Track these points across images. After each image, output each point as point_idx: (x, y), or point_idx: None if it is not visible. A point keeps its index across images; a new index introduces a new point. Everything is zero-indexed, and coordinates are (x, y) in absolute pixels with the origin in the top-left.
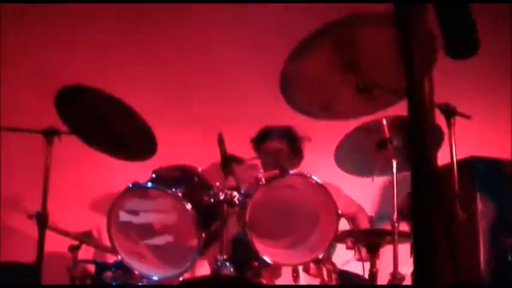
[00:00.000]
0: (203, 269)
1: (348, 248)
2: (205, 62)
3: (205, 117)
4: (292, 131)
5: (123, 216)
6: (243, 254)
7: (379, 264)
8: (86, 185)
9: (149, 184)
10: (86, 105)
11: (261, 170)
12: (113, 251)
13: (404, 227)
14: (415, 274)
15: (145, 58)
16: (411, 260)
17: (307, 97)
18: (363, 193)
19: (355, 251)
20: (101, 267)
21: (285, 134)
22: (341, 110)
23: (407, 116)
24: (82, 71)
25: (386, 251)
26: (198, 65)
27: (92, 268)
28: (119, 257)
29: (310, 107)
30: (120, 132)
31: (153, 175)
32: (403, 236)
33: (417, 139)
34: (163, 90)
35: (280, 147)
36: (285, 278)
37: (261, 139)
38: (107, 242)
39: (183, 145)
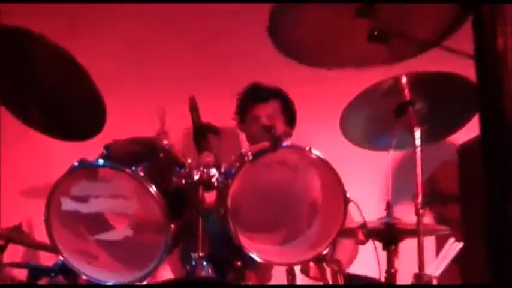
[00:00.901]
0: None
1: (358, 242)
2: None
3: (173, 77)
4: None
5: (67, 204)
6: (224, 250)
7: (398, 263)
8: (18, 168)
9: (100, 162)
10: (13, 55)
11: (246, 144)
12: (53, 249)
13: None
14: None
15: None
16: (440, 258)
17: (304, 42)
18: (376, 172)
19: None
20: (36, 271)
21: (280, 95)
22: (348, 61)
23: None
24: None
25: (407, 247)
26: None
27: (23, 273)
28: (61, 258)
29: (308, 53)
30: (61, 97)
31: (105, 151)
32: (429, 227)
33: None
34: (116, 45)
35: (275, 113)
36: (277, 280)
37: (247, 101)
38: (43, 239)
39: (144, 114)
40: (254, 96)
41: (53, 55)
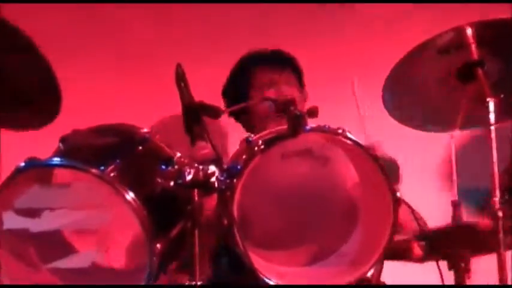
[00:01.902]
0: None
1: (414, 259)
2: None
3: (153, 43)
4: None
5: (11, 221)
6: (231, 276)
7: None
8: None
9: (55, 160)
10: None
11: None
12: None
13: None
14: None
15: None
16: None
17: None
18: (434, 161)
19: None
20: None
21: (294, 64)
22: None
23: None
24: None
25: (483, 263)
26: None
27: None
28: None
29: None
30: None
31: (62, 144)
32: None
33: None
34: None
35: (292, 87)
36: None
37: (252, 67)
38: None
39: (117, 92)
40: (262, 59)
41: None
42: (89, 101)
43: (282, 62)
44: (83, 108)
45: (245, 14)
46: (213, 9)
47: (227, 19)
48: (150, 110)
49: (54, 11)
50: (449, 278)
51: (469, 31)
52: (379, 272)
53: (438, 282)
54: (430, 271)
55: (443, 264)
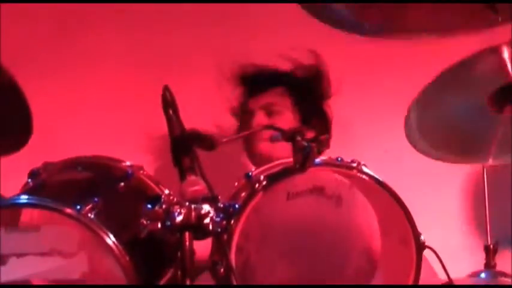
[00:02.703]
0: None
1: None
2: None
3: (141, 58)
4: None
5: None
6: None
7: None
8: None
9: (23, 198)
10: None
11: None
12: None
13: None
14: None
15: None
16: None
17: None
18: (463, 198)
19: None
20: None
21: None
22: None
23: None
24: None
25: None
26: None
27: None
28: None
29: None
30: None
31: (31, 179)
32: None
33: None
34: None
35: (279, 106)
36: None
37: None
38: None
39: (96, 118)
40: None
41: None
42: (63, 128)
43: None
44: (55, 136)
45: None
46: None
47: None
48: (133, 139)
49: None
50: None
51: (506, 52)
52: None
53: None
54: None
55: None
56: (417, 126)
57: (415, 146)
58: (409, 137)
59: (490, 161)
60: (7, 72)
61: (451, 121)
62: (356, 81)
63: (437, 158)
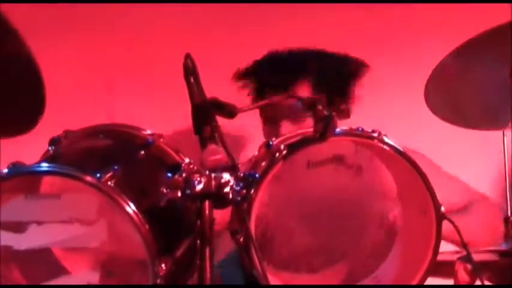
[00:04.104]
0: None
1: (459, 282)
2: None
3: (162, 25)
4: (346, 61)
5: None
6: None
7: None
8: None
9: (44, 166)
10: None
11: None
12: None
13: None
14: None
15: None
16: None
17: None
18: (483, 167)
19: None
20: None
21: (312, 69)
22: None
23: None
24: None
25: None
26: None
27: None
28: None
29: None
30: None
31: (52, 147)
32: None
33: None
34: None
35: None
36: None
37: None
38: None
39: (115, 87)
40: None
41: None
42: (83, 97)
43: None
44: (75, 105)
45: None
46: None
47: None
48: (154, 108)
49: None
50: None
51: None
52: None
53: None
54: None
55: None
56: (432, 99)
57: (435, 113)
58: (429, 102)
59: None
60: (24, 45)
61: (471, 92)
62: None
63: (454, 124)
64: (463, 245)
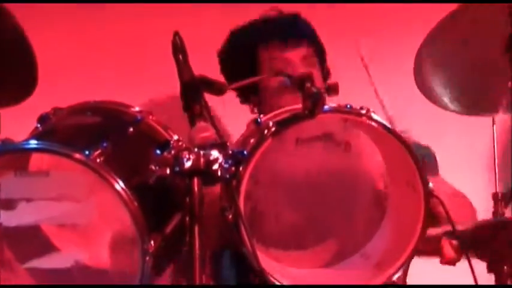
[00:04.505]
0: None
1: (445, 261)
2: None
3: (152, 4)
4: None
5: None
6: (234, 279)
7: None
8: None
9: (32, 143)
10: None
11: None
12: None
13: None
14: None
15: None
16: None
17: None
18: (471, 148)
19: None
20: None
21: (314, 38)
22: None
23: None
24: None
25: None
26: None
27: None
28: None
29: None
30: None
31: (40, 124)
32: None
33: None
34: None
35: (310, 62)
36: None
37: (261, 41)
38: None
39: (104, 64)
40: (272, 34)
41: None
42: (71, 74)
43: (298, 36)
44: (64, 82)
45: None
46: None
47: None
48: (143, 85)
49: None
50: (488, 282)
51: None
52: (405, 273)
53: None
54: (460, 271)
55: (481, 264)
56: (422, 76)
57: (426, 96)
58: (418, 85)
59: (498, 114)
60: (17, 24)
61: (460, 69)
62: (364, 29)
63: (448, 109)
64: (449, 220)
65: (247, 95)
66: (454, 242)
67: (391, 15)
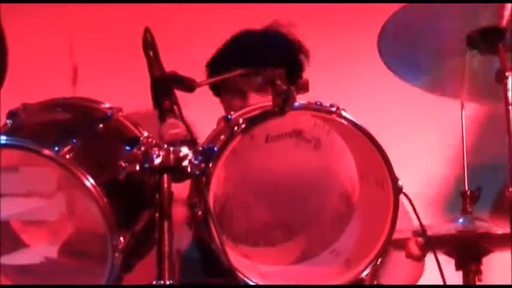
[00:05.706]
0: None
1: (410, 255)
2: None
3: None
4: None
5: None
6: (204, 276)
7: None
8: None
9: (1, 139)
10: None
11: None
12: None
13: None
14: None
15: None
16: None
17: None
18: (441, 140)
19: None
20: None
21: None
22: None
23: None
24: None
25: (496, 263)
26: None
27: None
28: None
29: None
30: None
31: (9, 120)
32: None
33: None
34: None
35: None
36: None
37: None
38: None
39: (74, 59)
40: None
41: None
42: (42, 70)
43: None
44: (34, 78)
45: None
46: None
47: None
48: (113, 81)
49: None
50: (456, 279)
51: None
52: (378, 271)
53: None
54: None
55: (449, 262)
56: (386, 49)
57: (392, 69)
58: (383, 56)
59: (469, 103)
60: None
61: (430, 46)
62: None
63: (410, 82)
64: (417, 217)
65: (220, 92)
66: (419, 240)
67: None
